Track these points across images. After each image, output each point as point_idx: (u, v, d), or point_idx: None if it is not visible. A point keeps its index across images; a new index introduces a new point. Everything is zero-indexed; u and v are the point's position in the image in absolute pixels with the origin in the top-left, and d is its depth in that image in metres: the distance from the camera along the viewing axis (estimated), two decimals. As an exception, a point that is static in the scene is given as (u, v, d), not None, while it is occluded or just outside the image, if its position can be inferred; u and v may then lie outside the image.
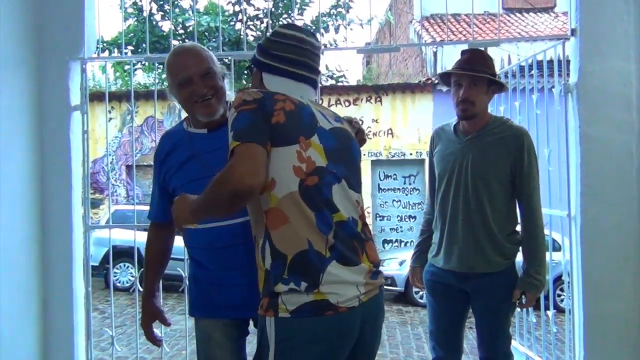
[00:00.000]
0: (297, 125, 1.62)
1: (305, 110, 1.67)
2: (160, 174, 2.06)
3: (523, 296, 2.50)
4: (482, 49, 2.79)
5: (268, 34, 1.83)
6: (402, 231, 11.99)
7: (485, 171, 2.46)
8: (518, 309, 3.04)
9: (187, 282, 2.14)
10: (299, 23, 12.38)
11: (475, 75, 2.45)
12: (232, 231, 1.88)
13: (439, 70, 12.07)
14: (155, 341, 2.17)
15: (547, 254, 2.64)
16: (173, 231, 2.16)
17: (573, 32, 3.05)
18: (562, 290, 6.11)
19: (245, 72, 13.67)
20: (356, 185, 1.77)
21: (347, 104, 11.86)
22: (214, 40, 12.75)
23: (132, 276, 8.76)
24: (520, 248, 2.53)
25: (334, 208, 1.61)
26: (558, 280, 5.30)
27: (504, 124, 2.53)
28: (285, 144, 1.57)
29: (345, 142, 1.78)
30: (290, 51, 1.74)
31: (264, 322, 1.56)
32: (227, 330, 1.96)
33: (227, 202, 1.49)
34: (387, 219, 12.03)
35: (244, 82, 12.97)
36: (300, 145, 1.59)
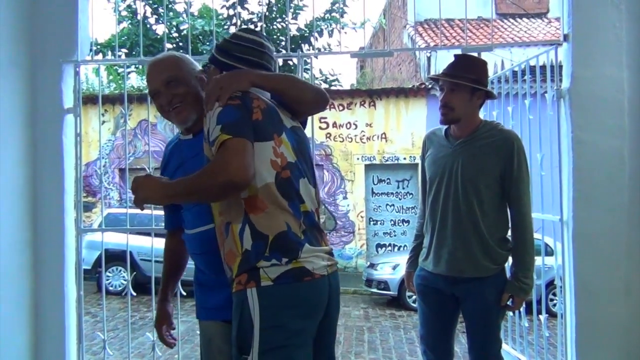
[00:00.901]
0: (271, 122, 1.75)
1: (273, 109, 1.80)
2: None
3: (511, 299, 2.50)
4: (475, 54, 2.80)
5: (227, 36, 1.94)
6: (395, 235, 12.01)
7: (475, 175, 2.47)
8: (510, 313, 3.05)
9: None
10: (293, 27, 12.40)
11: (452, 81, 2.49)
12: (196, 240, 1.95)
13: (432, 74, 12.10)
14: (167, 342, 2.22)
15: (539, 259, 2.64)
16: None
17: (565, 37, 3.07)
18: (554, 294, 6.13)
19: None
20: (313, 180, 1.90)
21: (340, 108, 11.88)
22: (208, 43, 12.74)
23: (125, 280, 8.72)
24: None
25: (301, 199, 1.77)
26: (550, 284, 5.31)
27: (495, 129, 2.54)
28: (263, 140, 1.69)
29: (303, 140, 1.91)
30: (251, 54, 1.86)
31: (244, 296, 1.65)
32: (226, 334, 1.95)
33: (220, 191, 1.61)
34: (380, 223, 12.05)
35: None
36: (274, 141, 1.73)
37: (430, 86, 11.13)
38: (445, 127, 2.63)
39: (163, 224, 2.23)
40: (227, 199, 1.69)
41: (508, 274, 2.55)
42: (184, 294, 3.22)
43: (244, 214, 1.68)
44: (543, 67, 3.39)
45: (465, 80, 2.47)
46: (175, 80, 1.97)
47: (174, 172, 2.01)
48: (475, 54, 2.86)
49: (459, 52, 3.11)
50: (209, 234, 1.89)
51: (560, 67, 3.15)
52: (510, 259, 2.57)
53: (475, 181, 2.46)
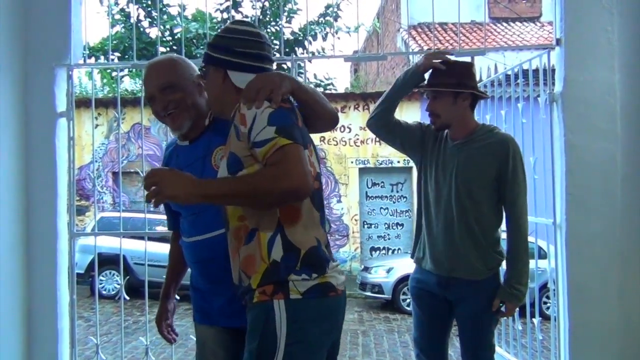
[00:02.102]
0: (306, 131, 1.72)
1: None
2: None
3: (503, 306, 2.49)
4: (468, 58, 2.81)
5: (219, 31, 1.82)
6: (389, 239, 12.02)
7: (470, 177, 2.47)
8: (504, 318, 3.05)
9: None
10: (287, 31, 12.42)
11: (432, 88, 2.52)
12: (214, 244, 1.88)
13: (426, 79, 12.15)
14: (167, 338, 2.20)
15: (532, 262, 2.64)
16: None
17: (558, 41, 3.09)
18: (548, 297, 6.15)
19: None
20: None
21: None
22: (201, 47, 12.74)
23: (118, 284, 8.69)
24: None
25: (321, 208, 1.73)
26: (544, 287, 5.32)
27: (491, 132, 2.55)
28: (305, 148, 1.60)
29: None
30: (252, 46, 1.75)
31: (270, 307, 1.58)
32: (220, 339, 1.96)
33: (279, 199, 1.53)
34: (374, 227, 12.06)
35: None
36: (309, 150, 1.67)
37: (423, 90, 11.10)
38: None
39: (161, 227, 2.22)
40: (280, 206, 1.60)
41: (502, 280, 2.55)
42: (178, 298, 3.21)
43: (278, 223, 1.61)
44: (536, 71, 3.41)
45: (445, 86, 2.48)
46: (170, 86, 1.92)
47: None
48: (469, 58, 2.87)
49: (452, 55, 3.12)
50: (205, 244, 1.88)
51: (553, 70, 3.17)
52: (504, 264, 2.56)
53: (468, 183, 2.47)
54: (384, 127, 2.65)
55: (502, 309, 2.50)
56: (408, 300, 8.44)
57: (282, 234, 1.60)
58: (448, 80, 2.49)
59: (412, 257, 2.71)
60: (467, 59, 3.21)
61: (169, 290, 2.21)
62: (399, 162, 11.67)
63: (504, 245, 2.56)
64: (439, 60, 2.53)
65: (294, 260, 1.59)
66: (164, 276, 2.25)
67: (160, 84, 1.92)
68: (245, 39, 1.75)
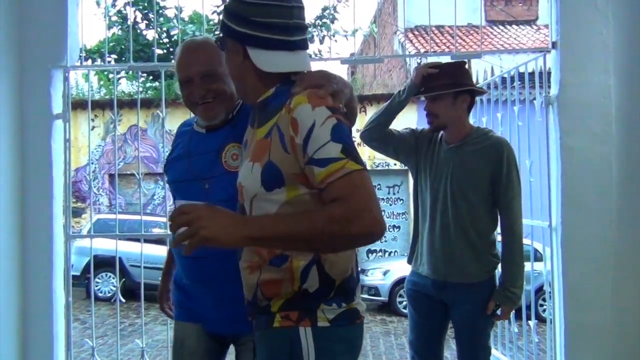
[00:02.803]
0: None
1: None
2: (165, 165, 2.00)
3: (498, 309, 2.50)
4: (465, 61, 2.82)
5: None
6: (386, 241, 12.00)
7: (465, 180, 2.48)
8: (500, 321, 3.06)
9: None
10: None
11: (432, 93, 2.51)
12: None
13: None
14: (170, 314, 2.15)
15: (528, 264, 2.65)
16: None
17: (554, 45, 3.10)
18: (544, 300, 6.16)
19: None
20: None
21: (331, 114, 11.90)
22: (198, 49, 12.72)
23: (114, 286, 8.67)
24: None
25: None
26: (540, 290, 5.33)
27: (486, 135, 2.56)
28: None
29: None
30: (278, 14, 1.39)
31: (295, 334, 1.39)
32: (203, 338, 1.88)
33: (350, 244, 1.32)
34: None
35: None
36: None
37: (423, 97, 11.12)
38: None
39: (157, 229, 2.16)
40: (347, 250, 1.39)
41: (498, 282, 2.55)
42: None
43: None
44: (532, 74, 3.42)
45: (443, 88, 2.49)
46: (213, 74, 1.78)
47: (173, 161, 1.92)
48: (465, 61, 2.88)
49: (449, 58, 3.14)
50: None
51: (549, 73, 3.18)
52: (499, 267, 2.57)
53: (464, 186, 2.47)
54: (378, 139, 2.67)
55: (498, 312, 2.50)
56: (404, 303, 8.44)
57: (319, 264, 1.39)
58: (445, 82, 2.50)
59: (409, 262, 2.71)
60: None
61: (169, 269, 2.14)
62: (395, 164, 11.66)
63: (499, 248, 2.57)
64: (430, 69, 2.54)
65: (327, 291, 1.41)
66: (161, 275, 2.18)
67: (203, 70, 1.78)
68: (267, 5, 1.39)
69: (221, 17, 1.49)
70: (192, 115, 1.95)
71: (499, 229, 2.55)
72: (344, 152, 1.25)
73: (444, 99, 2.50)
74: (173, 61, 2.00)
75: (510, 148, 2.53)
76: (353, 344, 1.48)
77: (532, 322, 3.44)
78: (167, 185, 2.07)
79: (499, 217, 2.53)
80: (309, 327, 1.39)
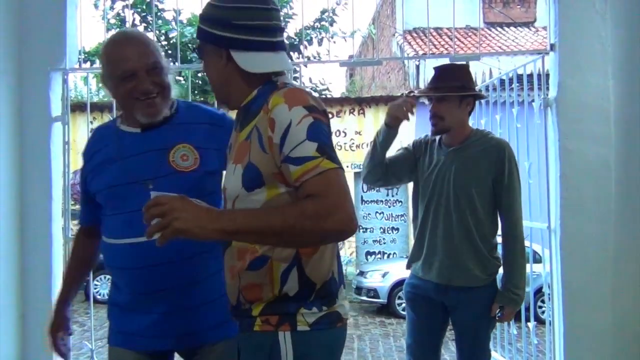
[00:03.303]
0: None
1: None
2: (84, 172, 1.82)
3: (501, 310, 2.49)
4: (464, 63, 2.82)
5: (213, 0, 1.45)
6: (385, 243, 12.00)
7: (467, 183, 2.47)
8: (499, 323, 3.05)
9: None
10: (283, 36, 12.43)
11: (440, 94, 2.49)
12: (155, 249, 1.56)
13: (421, 83, 12.18)
14: (61, 351, 1.96)
15: (527, 266, 2.65)
16: (98, 238, 1.86)
17: (552, 47, 3.11)
18: (543, 301, 6.16)
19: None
20: None
21: (330, 116, 11.88)
22: (196, 51, 12.73)
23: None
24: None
25: None
26: (539, 292, 5.33)
27: (486, 137, 2.55)
28: None
29: None
30: (259, 17, 1.41)
31: (274, 339, 1.38)
32: None
33: (320, 239, 1.31)
34: (370, 231, 12.04)
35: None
36: None
37: (418, 95, 11.15)
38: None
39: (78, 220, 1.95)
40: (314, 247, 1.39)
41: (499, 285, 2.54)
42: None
43: (295, 253, 1.38)
44: (530, 76, 3.43)
45: (451, 89, 2.48)
46: (159, 68, 1.71)
47: (102, 166, 1.75)
48: (454, 63, 2.89)
49: (447, 60, 3.14)
50: (149, 247, 1.55)
51: (547, 75, 3.18)
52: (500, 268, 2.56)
53: (467, 189, 2.46)
54: (379, 180, 2.66)
55: (500, 313, 2.50)
56: (403, 305, 8.42)
57: (299, 266, 1.39)
58: (454, 84, 2.50)
59: (408, 266, 2.70)
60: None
61: (69, 296, 1.96)
62: (394, 166, 11.69)
63: (499, 251, 2.56)
64: (405, 106, 2.49)
65: (307, 295, 1.40)
66: (84, 280, 2.05)
67: (150, 63, 1.69)
68: (247, 8, 1.40)
69: (198, 24, 1.49)
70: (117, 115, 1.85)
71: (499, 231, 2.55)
72: (319, 151, 1.26)
73: (451, 101, 2.49)
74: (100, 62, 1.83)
75: (511, 149, 2.53)
76: (333, 349, 1.47)
77: (531, 324, 3.45)
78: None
79: (499, 219, 2.53)
80: (288, 332, 1.38)
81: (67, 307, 1.96)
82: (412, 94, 2.70)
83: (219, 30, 1.41)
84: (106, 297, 8.98)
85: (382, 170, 2.63)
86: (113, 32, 13.11)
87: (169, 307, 1.69)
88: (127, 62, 1.67)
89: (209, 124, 1.81)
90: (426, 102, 2.63)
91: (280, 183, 1.34)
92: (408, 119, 2.49)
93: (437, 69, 2.62)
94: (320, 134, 1.29)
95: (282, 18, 1.49)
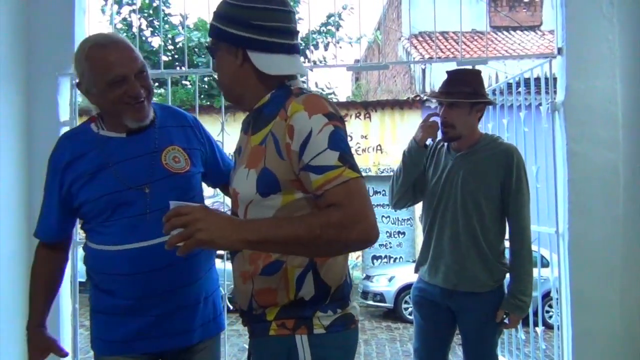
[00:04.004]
0: None
1: None
2: (63, 183, 1.74)
3: (507, 317, 2.48)
4: (470, 67, 2.82)
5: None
6: (391, 247, 11.99)
7: (475, 188, 2.46)
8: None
9: (90, 312, 1.84)
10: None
11: (450, 101, 2.48)
12: (156, 253, 1.65)
13: (427, 87, 12.18)
14: None
15: (535, 271, 2.64)
16: (67, 251, 1.90)
17: (559, 50, 3.10)
18: (550, 306, 6.13)
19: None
20: None
21: (336, 120, 11.90)
22: (203, 55, 12.78)
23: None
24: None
25: None
26: (547, 296, 5.32)
27: (494, 142, 2.55)
28: None
29: None
30: (278, 19, 1.40)
31: (292, 343, 1.38)
32: None
33: (344, 249, 1.31)
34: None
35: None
36: None
37: (425, 98, 11.19)
38: None
39: (36, 231, 1.83)
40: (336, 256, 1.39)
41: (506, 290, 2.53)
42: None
43: (310, 258, 1.38)
44: (537, 80, 3.42)
45: (462, 96, 2.47)
46: (145, 71, 1.71)
47: (93, 175, 1.70)
48: (470, 67, 2.88)
49: (454, 64, 3.14)
50: (154, 251, 1.65)
51: (555, 79, 3.17)
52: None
53: (475, 194, 2.46)
54: (409, 202, 2.68)
55: (506, 320, 2.48)
56: (410, 309, 8.42)
57: (314, 270, 1.39)
58: (465, 89, 2.48)
59: (415, 271, 2.69)
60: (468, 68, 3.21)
61: (43, 319, 1.87)
62: (400, 170, 11.68)
63: (507, 256, 2.55)
64: (432, 125, 2.53)
65: (322, 299, 1.41)
66: (53, 300, 1.92)
67: (139, 66, 1.69)
68: (265, 9, 1.39)
69: (212, 22, 1.47)
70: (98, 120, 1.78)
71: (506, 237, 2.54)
72: (341, 160, 1.26)
73: (462, 107, 2.48)
74: (76, 64, 1.77)
75: (520, 155, 2.52)
76: (347, 350, 1.48)
77: (539, 329, 3.43)
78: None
79: (507, 224, 2.51)
80: (305, 335, 1.38)
81: (46, 330, 1.86)
82: (418, 98, 2.69)
83: (235, 29, 1.40)
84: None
85: (412, 192, 2.64)
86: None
87: (167, 309, 1.71)
88: (117, 67, 1.65)
89: (184, 126, 1.84)
90: (432, 105, 2.63)
91: (296, 189, 1.34)
92: (436, 137, 2.56)
93: (449, 73, 2.60)
94: (340, 142, 1.29)
95: (296, 21, 1.47)
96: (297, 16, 1.49)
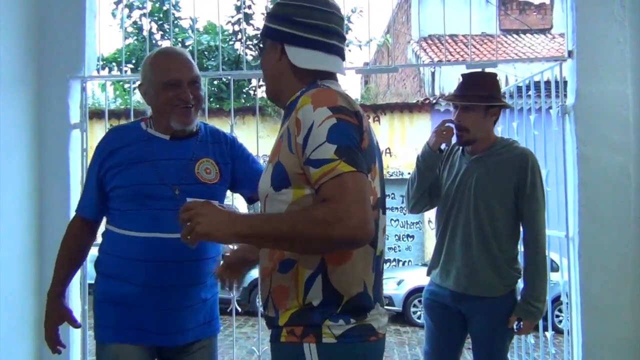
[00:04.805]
0: (371, 147, 1.39)
1: (368, 121, 1.42)
2: (102, 167, 1.88)
3: (519, 323, 2.45)
4: (480, 69, 2.81)
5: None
6: (400, 250, 11.97)
7: (489, 192, 2.44)
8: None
9: (93, 305, 1.93)
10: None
11: (465, 104, 2.47)
12: (173, 246, 1.75)
13: (436, 90, 12.16)
14: (56, 346, 1.96)
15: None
16: (96, 232, 2.03)
17: (570, 53, 3.09)
18: (560, 311, 6.09)
19: (244, 91, 13.76)
20: (385, 207, 1.50)
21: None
22: (213, 59, 12.82)
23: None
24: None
25: (376, 242, 1.43)
26: (556, 301, 5.28)
27: (510, 145, 2.51)
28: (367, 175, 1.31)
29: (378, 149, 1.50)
30: (319, 17, 1.44)
31: (300, 351, 1.34)
32: (142, 358, 1.83)
33: (329, 247, 1.26)
34: (384, 235, 12.01)
35: (243, 102, 13.01)
36: (370, 174, 1.36)
37: (434, 101, 11.18)
38: None
39: (78, 207, 1.98)
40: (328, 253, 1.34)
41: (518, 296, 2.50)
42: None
43: (321, 261, 1.34)
44: (547, 83, 3.40)
45: (478, 99, 2.45)
46: (199, 82, 1.91)
47: (131, 164, 1.84)
48: (486, 69, 2.86)
49: (463, 67, 3.13)
50: (168, 243, 1.77)
51: (565, 82, 3.16)
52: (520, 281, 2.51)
53: (488, 198, 2.43)
54: (426, 205, 2.66)
55: (519, 325, 2.45)
56: (419, 313, 8.40)
57: (324, 275, 1.34)
58: (481, 93, 2.46)
59: (428, 273, 2.67)
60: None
61: (64, 289, 1.98)
62: (409, 173, 11.58)
63: (520, 261, 2.53)
64: (446, 130, 2.53)
65: (333, 307, 1.35)
66: (76, 273, 2.05)
67: (194, 76, 1.89)
68: (308, 7, 1.44)
69: (263, 21, 1.55)
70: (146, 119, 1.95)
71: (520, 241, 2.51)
72: (338, 153, 1.23)
73: (477, 110, 2.45)
74: (142, 68, 1.96)
75: (535, 159, 2.48)
76: None
77: (549, 333, 3.40)
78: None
79: (521, 229, 2.48)
80: (313, 344, 1.34)
81: (65, 300, 1.98)
82: (427, 101, 2.68)
83: (278, 25, 1.46)
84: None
85: (427, 196, 2.63)
86: (130, 40, 13.28)
87: (175, 304, 1.82)
88: (174, 72, 1.85)
89: (221, 143, 2.01)
90: (441, 109, 2.62)
91: (305, 184, 1.32)
92: (451, 142, 2.58)
93: (464, 76, 2.58)
94: (341, 135, 1.26)
95: (344, 26, 1.51)
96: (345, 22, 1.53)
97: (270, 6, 1.55)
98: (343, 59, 1.51)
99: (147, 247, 1.79)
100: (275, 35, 1.47)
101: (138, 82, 1.98)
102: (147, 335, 1.81)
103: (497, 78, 2.59)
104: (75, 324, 2.00)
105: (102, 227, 2.01)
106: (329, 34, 1.45)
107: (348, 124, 1.29)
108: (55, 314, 1.95)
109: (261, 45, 1.54)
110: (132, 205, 1.83)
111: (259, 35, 1.58)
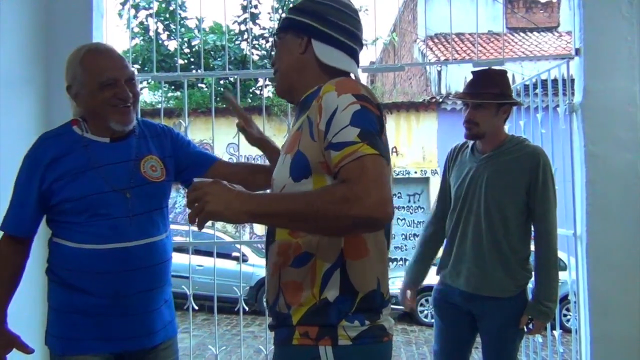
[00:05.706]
0: (386, 143, 1.38)
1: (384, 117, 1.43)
2: (44, 180, 1.76)
3: (531, 323, 2.44)
4: (494, 67, 2.80)
5: None
6: (406, 249, 11.96)
7: (500, 191, 2.42)
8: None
9: (49, 313, 1.88)
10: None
11: (478, 100, 2.45)
12: (136, 254, 1.75)
13: (443, 89, 12.13)
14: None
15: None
16: (29, 249, 1.94)
17: (577, 51, 3.07)
18: (568, 309, 6.07)
19: (251, 91, 13.78)
20: None
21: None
22: (219, 59, 12.85)
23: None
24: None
25: (390, 236, 1.45)
26: (564, 299, 5.26)
27: (521, 144, 2.49)
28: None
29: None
30: (348, 21, 1.48)
31: (315, 354, 1.33)
32: None
33: (348, 227, 1.23)
34: (391, 238, 12.01)
35: (249, 101, 13.03)
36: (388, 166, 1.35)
37: (441, 100, 11.16)
38: (472, 141, 2.59)
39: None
40: (348, 235, 1.32)
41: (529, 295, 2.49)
42: (196, 307, 3.22)
43: (340, 255, 1.33)
44: (555, 81, 3.39)
45: (490, 97, 2.43)
46: (134, 79, 1.84)
47: (76, 174, 1.74)
48: (496, 67, 2.85)
49: (470, 66, 3.12)
50: (128, 252, 1.74)
51: (572, 80, 3.15)
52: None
53: (499, 197, 2.41)
54: (446, 211, 2.65)
55: (530, 326, 2.44)
56: (426, 312, 8.39)
57: (343, 269, 1.34)
58: (492, 90, 2.45)
59: (437, 273, 2.67)
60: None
61: (4, 314, 1.86)
62: (415, 172, 11.64)
63: (531, 262, 2.51)
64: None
65: (349, 305, 1.34)
66: (14, 293, 1.89)
67: (130, 73, 1.82)
68: (340, 10, 1.48)
69: (285, 14, 1.55)
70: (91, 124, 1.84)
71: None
72: (361, 136, 1.23)
73: (488, 108, 2.44)
74: (69, 66, 1.89)
75: (546, 157, 2.46)
76: None
77: (556, 332, 3.39)
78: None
79: (533, 229, 2.46)
80: (329, 347, 1.32)
81: (7, 325, 1.86)
82: (433, 100, 2.68)
83: (308, 19, 1.47)
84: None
85: (443, 203, 2.68)
86: (137, 40, 13.33)
87: (142, 309, 1.80)
88: (110, 70, 1.77)
89: (160, 136, 1.95)
90: (448, 108, 2.62)
91: (326, 174, 1.31)
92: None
93: (474, 73, 2.57)
94: (365, 120, 1.26)
95: (362, 34, 1.55)
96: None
97: (276, 5, 1.52)
98: (358, 64, 1.54)
99: (111, 259, 1.73)
100: (303, 29, 1.48)
101: (66, 84, 1.87)
102: (113, 342, 1.77)
103: (507, 75, 2.58)
104: (27, 350, 1.87)
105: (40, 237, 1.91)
106: (354, 39, 1.49)
107: (371, 112, 1.30)
108: (0, 343, 1.84)
109: (278, 38, 1.54)
110: (85, 217, 1.74)
111: (277, 29, 1.57)
